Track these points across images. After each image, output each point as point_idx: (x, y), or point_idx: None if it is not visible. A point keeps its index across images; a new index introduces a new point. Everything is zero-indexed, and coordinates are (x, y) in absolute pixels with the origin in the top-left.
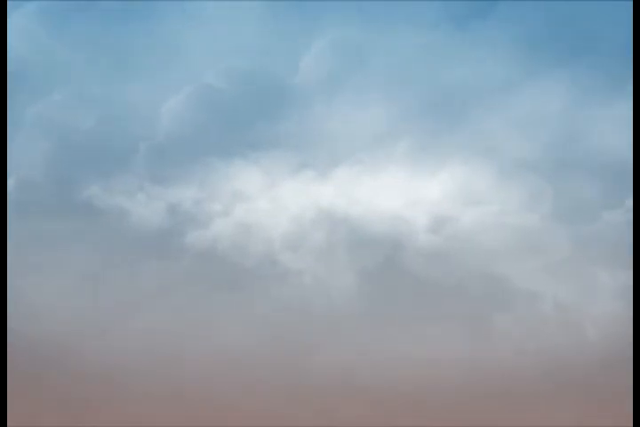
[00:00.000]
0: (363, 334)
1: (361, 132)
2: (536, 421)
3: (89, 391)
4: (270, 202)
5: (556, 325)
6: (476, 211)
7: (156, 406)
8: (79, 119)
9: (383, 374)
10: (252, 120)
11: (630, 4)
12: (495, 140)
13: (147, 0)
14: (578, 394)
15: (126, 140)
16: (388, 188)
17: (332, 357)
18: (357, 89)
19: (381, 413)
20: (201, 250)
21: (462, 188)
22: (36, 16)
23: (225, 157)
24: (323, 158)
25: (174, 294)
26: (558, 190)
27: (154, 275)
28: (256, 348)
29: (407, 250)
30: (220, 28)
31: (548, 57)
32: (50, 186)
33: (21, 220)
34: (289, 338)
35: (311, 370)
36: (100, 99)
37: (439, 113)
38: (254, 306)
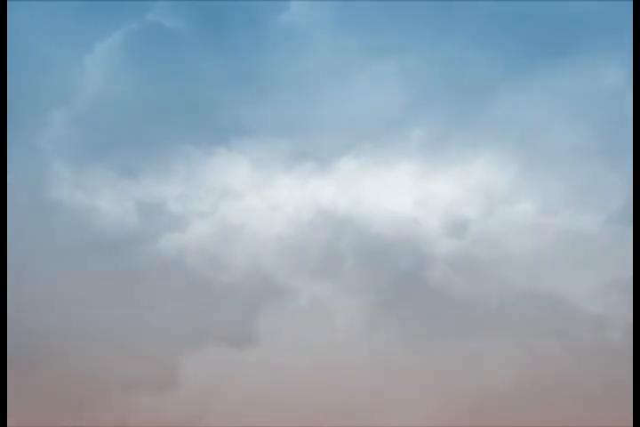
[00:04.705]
0: (376, 376)
1: (369, 114)
2: None
3: None
4: (261, 200)
5: (628, 357)
6: (506, 210)
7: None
8: None
9: None
10: (227, 85)
11: (630, 4)
12: (531, 121)
13: None
14: None
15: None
16: (399, 183)
17: (337, 400)
18: (367, 57)
19: None
20: (173, 259)
21: (491, 181)
22: None
23: (188, 137)
24: (323, 147)
25: (141, 313)
26: (621, 183)
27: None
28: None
29: (427, 259)
30: None
31: (606, 21)
32: None
33: None
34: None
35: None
36: None
37: (464, 90)
38: (237, 332)
